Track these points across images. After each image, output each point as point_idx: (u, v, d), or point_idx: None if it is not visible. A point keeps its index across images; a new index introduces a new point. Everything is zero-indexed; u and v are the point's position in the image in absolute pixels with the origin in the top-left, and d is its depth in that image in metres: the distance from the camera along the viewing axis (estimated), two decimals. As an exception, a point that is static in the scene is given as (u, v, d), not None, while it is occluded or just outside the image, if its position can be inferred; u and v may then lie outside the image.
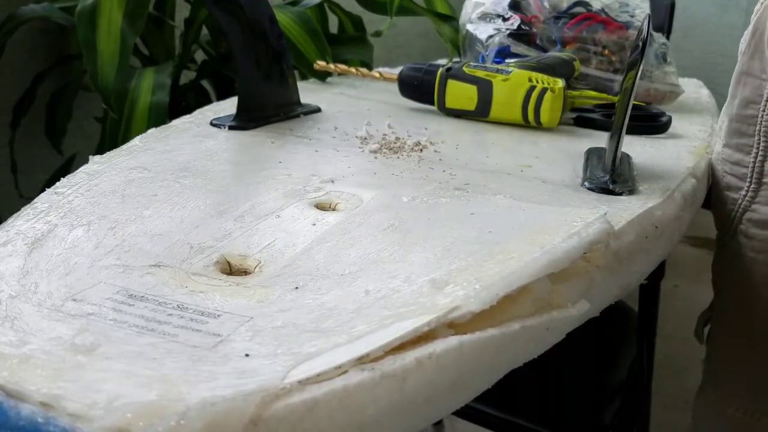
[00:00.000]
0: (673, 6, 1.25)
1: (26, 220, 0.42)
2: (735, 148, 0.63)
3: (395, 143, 0.61)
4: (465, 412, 0.83)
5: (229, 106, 0.71)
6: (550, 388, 0.82)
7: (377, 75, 0.80)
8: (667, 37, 1.19)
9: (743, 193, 0.63)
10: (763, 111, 0.60)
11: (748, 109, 0.61)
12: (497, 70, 0.70)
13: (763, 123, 0.60)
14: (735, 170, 0.63)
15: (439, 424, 1.24)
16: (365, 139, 0.63)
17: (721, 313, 0.70)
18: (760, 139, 0.60)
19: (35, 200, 0.45)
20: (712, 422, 0.71)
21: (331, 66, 0.83)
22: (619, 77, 0.83)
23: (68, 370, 0.27)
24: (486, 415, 0.81)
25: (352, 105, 0.77)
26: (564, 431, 0.79)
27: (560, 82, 0.68)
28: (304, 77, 0.93)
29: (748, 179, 0.62)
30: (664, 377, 1.03)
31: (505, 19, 0.89)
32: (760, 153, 0.61)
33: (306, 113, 0.71)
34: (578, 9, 0.88)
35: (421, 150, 0.60)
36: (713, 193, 0.66)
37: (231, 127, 0.64)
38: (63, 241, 0.39)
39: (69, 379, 0.26)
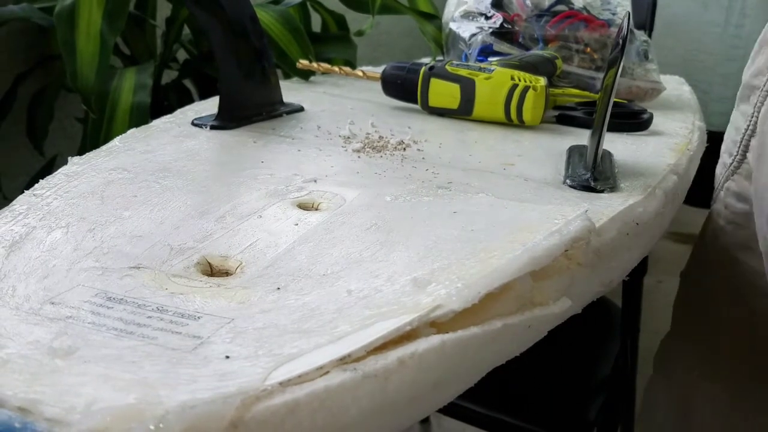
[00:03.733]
0: (654, 3, 1.26)
1: (4, 223, 0.41)
2: (741, 114, 0.63)
3: (378, 142, 0.61)
4: (451, 410, 0.83)
5: (210, 106, 0.70)
6: (534, 384, 0.82)
7: (360, 74, 0.80)
8: (649, 35, 1.19)
9: (731, 160, 0.63)
10: (764, 86, 0.59)
11: (756, 79, 0.61)
12: (480, 69, 0.70)
13: (763, 98, 0.59)
14: (733, 136, 0.64)
15: (425, 421, 1.25)
16: (348, 138, 0.62)
17: (687, 275, 0.71)
18: (755, 113, 0.60)
19: (13, 202, 0.44)
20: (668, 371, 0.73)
21: (314, 65, 0.82)
22: (601, 75, 0.83)
23: (46, 375, 0.27)
24: (472, 412, 0.81)
25: (336, 104, 0.77)
26: (549, 427, 0.79)
27: (542, 81, 0.68)
28: (287, 76, 0.93)
29: (737, 149, 0.63)
30: (648, 372, 1.03)
31: (487, 18, 0.89)
32: (750, 127, 0.61)
33: (289, 112, 0.71)
34: (560, 7, 0.89)
35: (405, 149, 0.60)
36: (720, 153, 0.67)
37: (212, 127, 0.64)
38: (41, 244, 0.39)
39: (46, 384, 0.26)
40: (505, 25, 0.87)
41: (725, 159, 0.65)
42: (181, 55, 1.24)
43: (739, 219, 0.63)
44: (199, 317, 0.32)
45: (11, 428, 0.24)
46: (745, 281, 0.61)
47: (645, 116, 0.69)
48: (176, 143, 0.59)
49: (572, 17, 0.86)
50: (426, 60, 1.00)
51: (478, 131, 0.68)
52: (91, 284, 0.35)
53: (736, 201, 0.63)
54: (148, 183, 0.49)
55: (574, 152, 0.59)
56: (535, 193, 0.50)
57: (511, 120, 0.69)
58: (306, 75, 0.90)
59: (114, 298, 0.33)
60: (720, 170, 0.66)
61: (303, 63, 0.84)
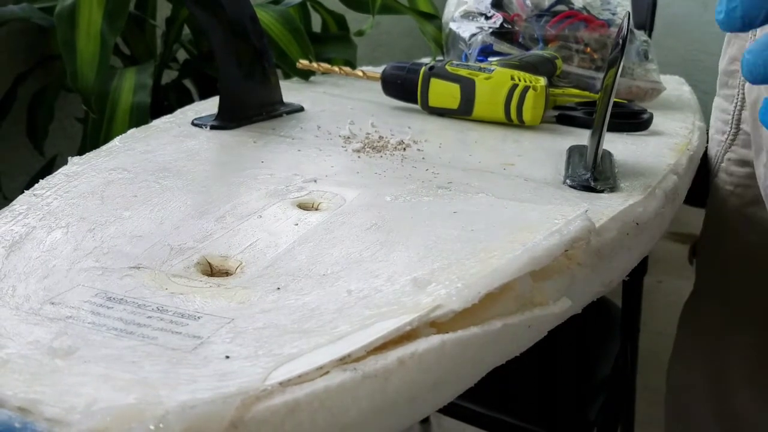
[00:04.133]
0: (654, 3, 1.26)
1: (4, 223, 0.41)
2: (723, 98, 0.75)
3: (378, 142, 0.61)
4: (451, 410, 0.83)
5: (210, 106, 0.70)
6: (534, 384, 0.82)
7: (360, 74, 0.80)
8: (649, 35, 1.19)
9: (726, 136, 0.74)
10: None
11: (733, 65, 0.73)
12: (480, 69, 0.70)
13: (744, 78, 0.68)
14: (722, 117, 0.75)
15: (425, 421, 1.25)
16: (348, 138, 0.62)
17: (704, 241, 0.80)
18: (740, 91, 0.71)
19: (13, 202, 0.44)
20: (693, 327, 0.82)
21: (314, 65, 0.82)
22: (601, 75, 0.83)
23: (46, 375, 0.27)
24: (471, 412, 0.81)
25: (336, 104, 0.77)
26: (549, 427, 0.79)
27: (542, 81, 0.68)
28: (287, 76, 0.93)
29: (730, 124, 0.74)
30: (648, 373, 1.03)
31: (487, 18, 0.89)
32: (738, 103, 0.72)
33: (289, 112, 0.71)
34: (560, 7, 0.89)
35: (405, 149, 0.60)
36: (709, 136, 0.78)
37: (212, 127, 0.64)
38: (41, 244, 0.39)
39: (47, 384, 0.26)
40: (505, 25, 0.87)
41: (718, 137, 0.76)
42: (181, 55, 1.24)
43: (744, 181, 0.73)
44: (199, 317, 0.32)
45: (11, 428, 0.24)
46: (761, 230, 0.69)
47: (645, 116, 0.69)
48: (176, 143, 0.59)
49: (572, 17, 0.86)
50: (426, 60, 1.00)
51: (478, 131, 0.68)
52: (91, 284, 0.35)
53: (739, 167, 0.73)
54: (148, 183, 0.49)
55: (574, 152, 0.59)
56: (535, 193, 0.50)
57: (511, 120, 0.69)
58: (306, 75, 0.90)
59: (114, 298, 0.33)
60: (715, 148, 0.76)
61: (303, 63, 0.84)
